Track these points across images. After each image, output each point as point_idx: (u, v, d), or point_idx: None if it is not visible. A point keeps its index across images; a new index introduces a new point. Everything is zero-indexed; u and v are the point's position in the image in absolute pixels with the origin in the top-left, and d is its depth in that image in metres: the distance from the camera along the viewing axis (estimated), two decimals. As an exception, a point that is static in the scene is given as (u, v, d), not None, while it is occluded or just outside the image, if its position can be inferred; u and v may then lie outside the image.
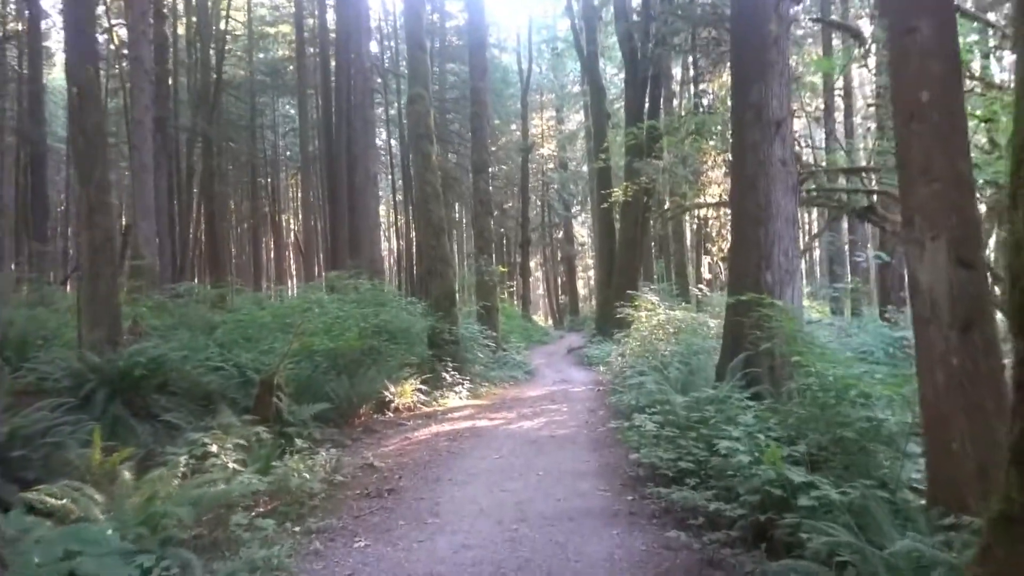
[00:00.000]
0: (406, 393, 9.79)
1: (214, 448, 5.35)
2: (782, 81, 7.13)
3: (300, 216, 29.67)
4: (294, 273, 34.40)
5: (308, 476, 5.60)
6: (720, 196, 14.22)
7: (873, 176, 8.39)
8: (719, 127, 12.87)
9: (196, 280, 24.93)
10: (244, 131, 34.33)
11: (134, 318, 10.02)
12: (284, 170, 38.85)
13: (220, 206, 37.14)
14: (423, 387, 10.22)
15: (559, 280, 47.39)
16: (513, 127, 41.18)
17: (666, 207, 12.40)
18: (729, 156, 14.99)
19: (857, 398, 4.13)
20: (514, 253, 43.10)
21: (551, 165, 46.32)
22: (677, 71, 23.43)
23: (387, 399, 9.51)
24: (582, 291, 50.18)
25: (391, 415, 9.37)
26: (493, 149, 41.59)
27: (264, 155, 35.45)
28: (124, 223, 19.54)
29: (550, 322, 43.82)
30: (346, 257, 21.08)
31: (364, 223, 19.33)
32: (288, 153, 37.74)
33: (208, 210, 29.83)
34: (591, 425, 8.51)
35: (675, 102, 22.91)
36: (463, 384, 11.47)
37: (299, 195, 31.24)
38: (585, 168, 40.59)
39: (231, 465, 5.18)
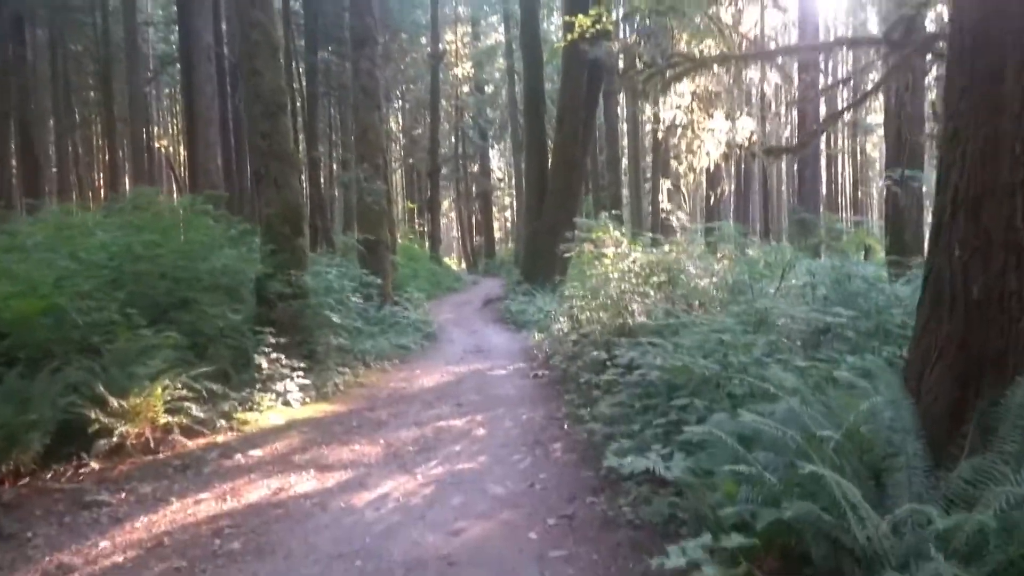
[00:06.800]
0: (152, 410, 4.64)
1: None
2: None
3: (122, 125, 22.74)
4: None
5: None
6: (696, 88, 9.40)
7: None
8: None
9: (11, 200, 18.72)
10: (86, 22, 26.75)
11: None
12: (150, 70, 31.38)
13: (66, 113, 29.76)
14: (205, 387, 5.07)
15: (473, 219, 42.17)
16: (423, 40, 35.04)
17: (667, 67, 7.36)
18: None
19: None
20: (425, 188, 37.39)
21: (466, 88, 40.59)
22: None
23: (99, 427, 4.35)
24: (498, 233, 45.23)
25: (93, 468, 4.20)
26: (401, 67, 35.46)
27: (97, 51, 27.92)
28: None
29: (463, 265, 38.91)
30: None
31: (196, 118, 13.54)
32: (153, 50, 30.29)
33: (20, 117, 23.07)
34: (543, 498, 3.74)
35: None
36: (297, 374, 6.34)
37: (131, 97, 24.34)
38: (504, 93, 35.37)
39: None
